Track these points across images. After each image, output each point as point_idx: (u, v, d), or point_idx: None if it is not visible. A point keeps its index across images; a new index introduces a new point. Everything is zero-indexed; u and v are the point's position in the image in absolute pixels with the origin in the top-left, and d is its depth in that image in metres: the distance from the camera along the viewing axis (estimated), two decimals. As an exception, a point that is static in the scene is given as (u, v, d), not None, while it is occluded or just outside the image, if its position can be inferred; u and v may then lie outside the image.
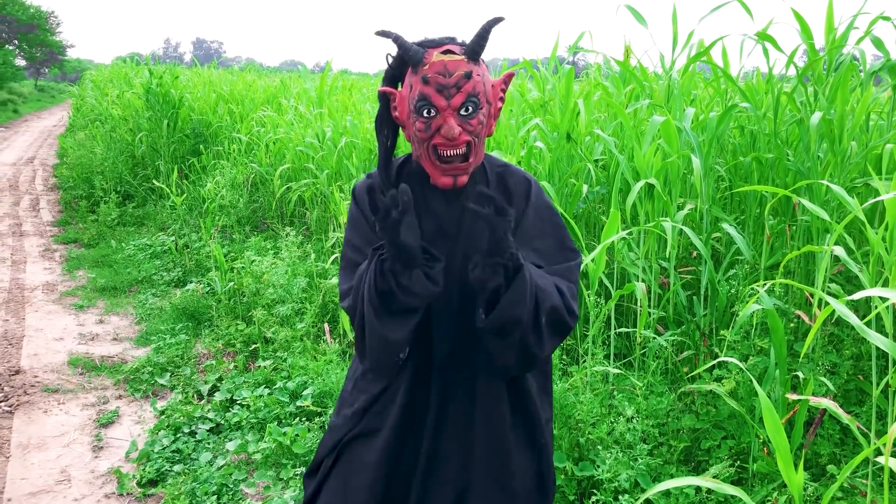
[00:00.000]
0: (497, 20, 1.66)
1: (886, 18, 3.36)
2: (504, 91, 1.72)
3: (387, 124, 1.74)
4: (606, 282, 3.66)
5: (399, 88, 1.71)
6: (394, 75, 1.71)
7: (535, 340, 1.60)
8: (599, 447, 2.91)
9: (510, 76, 1.73)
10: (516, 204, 1.75)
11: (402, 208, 1.43)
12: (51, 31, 42.46)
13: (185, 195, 7.57)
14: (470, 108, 1.60)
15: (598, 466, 2.84)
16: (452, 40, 1.66)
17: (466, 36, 1.69)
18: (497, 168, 1.81)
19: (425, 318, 1.67)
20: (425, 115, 1.60)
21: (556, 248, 1.77)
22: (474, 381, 1.75)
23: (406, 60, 1.64)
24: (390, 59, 1.70)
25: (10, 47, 39.04)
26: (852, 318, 1.94)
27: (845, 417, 2.05)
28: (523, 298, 1.54)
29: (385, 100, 1.71)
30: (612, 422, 3.02)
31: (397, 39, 1.63)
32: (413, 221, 1.48)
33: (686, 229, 3.41)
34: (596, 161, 4.38)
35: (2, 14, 37.66)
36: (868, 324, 2.86)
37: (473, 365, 1.74)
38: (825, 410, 2.59)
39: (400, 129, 1.75)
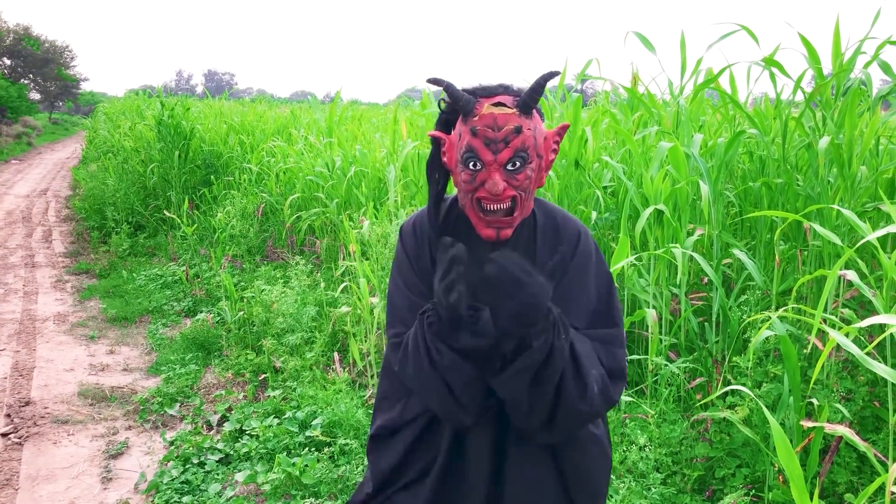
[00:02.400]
0: (552, 74, 1.62)
1: (894, 43, 3.36)
2: (557, 143, 1.68)
3: (437, 168, 1.72)
4: (617, 308, 3.64)
5: (451, 133, 1.68)
6: (447, 120, 1.69)
7: (585, 406, 1.57)
8: (612, 476, 2.87)
9: (565, 128, 1.69)
10: (560, 259, 1.71)
11: (457, 276, 1.45)
12: (65, 66, 43.06)
13: (195, 225, 7.61)
14: (518, 163, 1.57)
15: (612, 496, 2.80)
16: (507, 89, 1.62)
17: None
18: (549, 216, 1.77)
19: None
20: (471, 167, 1.58)
21: (597, 311, 1.72)
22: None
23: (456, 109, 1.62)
24: (443, 105, 1.68)
25: (26, 81, 39.60)
26: (853, 349, 1.92)
27: (862, 445, 2.02)
28: (519, 384, 1.52)
29: (437, 144, 1.70)
30: (624, 450, 2.99)
31: (449, 88, 1.59)
32: (462, 288, 1.47)
33: (696, 255, 3.40)
34: (605, 187, 4.38)
35: (18, 49, 38.26)
36: (882, 347, 2.83)
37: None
38: (841, 438, 2.55)
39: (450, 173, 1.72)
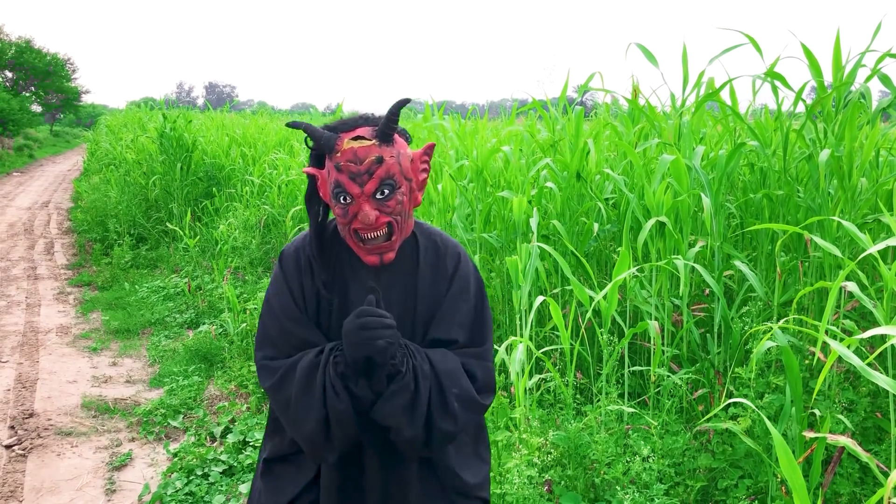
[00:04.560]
0: (404, 101, 1.68)
1: (894, 56, 3.39)
2: (427, 162, 1.73)
3: (316, 202, 1.76)
4: (619, 320, 3.66)
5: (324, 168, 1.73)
6: (318, 155, 1.73)
7: (448, 423, 1.66)
8: (616, 487, 2.88)
9: (432, 147, 1.75)
10: (441, 279, 1.79)
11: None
12: (66, 78, 43.13)
13: (198, 237, 7.63)
14: (386, 191, 1.62)
15: (615, 507, 2.80)
16: (367, 120, 1.68)
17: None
18: (430, 238, 1.84)
19: None
20: (342, 201, 1.63)
21: (474, 327, 1.80)
22: (391, 457, 1.77)
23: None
24: (310, 142, 1.71)
25: (27, 94, 39.69)
26: (854, 360, 1.93)
27: (864, 455, 2.03)
28: (395, 409, 1.62)
29: (313, 179, 1.74)
30: (627, 461, 3.00)
31: (308, 129, 1.64)
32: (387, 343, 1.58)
33: (698, 267, 3.41)
34: (606, 199, 4.40)
35: (19, 62, 38.37)
36: (882, 358, 2.84)
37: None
38: (843, 449, 2.56)
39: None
